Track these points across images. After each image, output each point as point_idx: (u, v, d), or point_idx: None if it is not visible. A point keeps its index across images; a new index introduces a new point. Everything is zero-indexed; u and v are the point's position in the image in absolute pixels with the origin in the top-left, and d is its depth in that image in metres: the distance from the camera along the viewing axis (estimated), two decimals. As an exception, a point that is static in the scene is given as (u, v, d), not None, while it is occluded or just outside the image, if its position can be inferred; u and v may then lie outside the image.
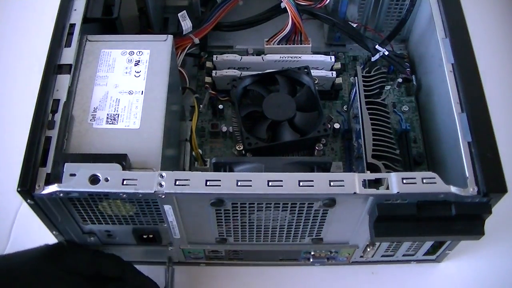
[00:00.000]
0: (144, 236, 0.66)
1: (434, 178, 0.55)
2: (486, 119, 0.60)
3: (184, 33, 0.80)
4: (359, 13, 0.85)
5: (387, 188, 0.55)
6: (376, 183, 0.55)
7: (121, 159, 0.56)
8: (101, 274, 0.63)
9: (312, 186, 0.54)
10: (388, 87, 0.84)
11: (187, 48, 0.80)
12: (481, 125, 0.60)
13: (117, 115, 0.61)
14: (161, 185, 0.54)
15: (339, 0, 0.82)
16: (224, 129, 0.79)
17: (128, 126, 0.60)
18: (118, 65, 0.65)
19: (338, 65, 0.83)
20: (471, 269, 0.77)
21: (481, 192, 0.55)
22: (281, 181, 0.54)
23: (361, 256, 0.73)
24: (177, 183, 0.54)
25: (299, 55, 0.81)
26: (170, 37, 0.67)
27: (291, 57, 0.81)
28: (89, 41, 0.66)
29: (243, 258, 0.74)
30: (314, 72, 0.78)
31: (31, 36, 0.97)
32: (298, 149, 0.74)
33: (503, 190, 0.55)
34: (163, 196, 0.55)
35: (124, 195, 0.54)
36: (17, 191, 0.54)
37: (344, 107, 0.83)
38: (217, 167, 0.63)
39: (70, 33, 0.65)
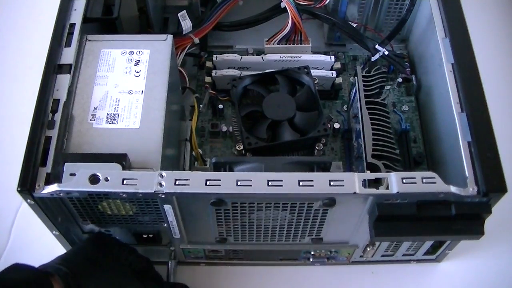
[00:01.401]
0: (144, 236, 0.66)
1: (434, 178, 0.55)
2: (486, 119, 0.60)
3: (184, 33, 0.80)
4: (359, 13, 0.85)
5: (387, 188, 0.55)
6: (376, 183, 0.55)
7: (121, 159, 0.56)
8: (132, 266, 0.64)
9: (312, 186, 0.54)
10: (388, 87, 0.84)
11: (187, 48, 0.80)
12: (481, 125, 0.60)
13: (117, 115, 0.61)
14: (161, 185, 0.54)
15: (339, 0, 0.82)
16: (224, 129, 0.79)
17: (128, 126, 0.60)
18: (118, 64, 0.65)
19: (338, 65, 0.83)
20: (471, 269, 0.77)
21: (481, 192, 0.55)
22: (281, 180, 0.54)
23: (361, 256, 0.73)
24: (177, 182, 0.54)
25: (299, 55, 0.81)
26: (170, 36, 0.67)
27: (291, 57, 0.81)
28: (89, 41, 0.66)
29: (243, 258, 0.74)
30: (314, 72, 0.78)
31: (31, 36, 0.97)
32: (298, 149, 0.74)
33: (503, 190, 0.55)
34: (163, 196, 0.55)
35: (124, 195, 0.54)
36: (17, 191, 0.54)
37: (344, 107, 0.83)
38: (217, 167, 0.63)
39: (70, 33, 0.65)
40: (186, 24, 0.79)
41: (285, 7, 0.81)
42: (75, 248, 0.65)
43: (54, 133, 0.58)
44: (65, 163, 0.55)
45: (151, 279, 0.66)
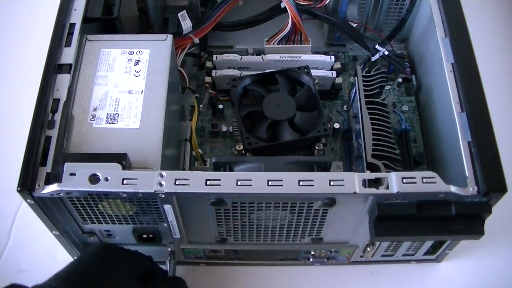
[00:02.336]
0: (144, 236, 0.66)
1: (434, 177, 0.55)
2: (486, 119, 0.60)
3: (184, 33, 0.80)
4: (359, 13, 0.85)
5: (387, 187, 0.55)
6: (376, 182, 0.55)
7: (121, 159, 0.56)
8: (133, 270, 0.63)
9: (312, 185, 0.54)
10: (388, 87, 0.84)
11: (187, 48, 0.80)
12: (481, 125, 0.60)
13: (117, 115, 0.61)
14: (161, 185, 0.54)
15: (339, 0, 0.82)
16: (224, 129, 0.79)
17: (128, 126, 0.60)
18: (118, 64, 0.65)
19: (338, 65, 0.83)
20: (471, 269, 0.76)
21: (481, 192, 0.55)
22: (281, 180, 0.54)
23: (361, 256, 0.73)
24: (177, 182, 0.54)
25: (299, 55, 0.81)
26: (170, 36, 0.67)
27: (291, 57, 0.81)
28: (89, 40, 0.66)
29: (243, 258, 0.74)
30: (314, 72, 0.78)
31: (31, 36, 0.97)
32: (298, 148, 0.74)
33: (503, 189, 0.55)
34: (163, 196, 0.54)
35: (124, 195, 0.54)
36: (17, 190, 0.54)
37: (344, 107, 0.83)
38: (217, 167, 0.63)
39: (70, 33, 0.65)
40: (186, 24, 0.79)
41: (285, 7, 0.81)
42: (70, 264, 0.62)
43: (54, 133, 0.58)
44: (65, 163, 0.55)
45: (153, 280, 0.65)
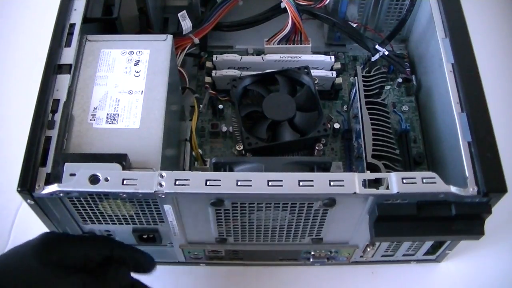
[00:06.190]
0: (144, 236, 0.66)
1: (434, 178, 0.55)
2: (486, 119, 0.60)
3: (184, 33, 0.80)
4: (359, 13, 0.85)
5: (387, 188, 0.55)
6: (376, 183, 0.55)
7: (121, 159, 0.56)
8: (93, 260, 0.58)
9: (312, 186, 0.54)
10: (388, 87, 0.84)
11: (187, 48, 0.80)
12: (481, 125, 0.59)
13: (117, 115, 0.61)
14: (161, 185, 0.54)
15: (339, 0, 0.82)
16: (224, 129, 0.79)
17: (128, 126, 0.60)
18: (118, 65, 0.65)
19: (338, 65, 0.83)
20: (471, 269, 0.77)
21: (481, 192, 0.55)
22: (281, 181, 0.54)
23: (361, 256, 0.73)
24: (177, 183, 0.54)
25: (299, 55, 0.81)
26: (170, 37, 0.67)
27: (291, 57, 0.81)
28: (89, 41, 0.66)
29: (243, 258, 0.74)
30: (314, 72, 0.78)
31: (31, 36, 0.97)
32: (298, 149, 0.74)
33: (503, 190, 0.55)
34: (163, 196, 0.54)
35: (124, 195, 0.54)
36: (17, 191, 0.54)
37: (344, 107, 0.83)
38: (217, 167, 0.63)
39: (70, 33, 0.65)
40: (186, 24, 0.79)
41: (285, 7, 0.81)
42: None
43: (54, 133, 0.58)
44: (65, 163, 0.55)
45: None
